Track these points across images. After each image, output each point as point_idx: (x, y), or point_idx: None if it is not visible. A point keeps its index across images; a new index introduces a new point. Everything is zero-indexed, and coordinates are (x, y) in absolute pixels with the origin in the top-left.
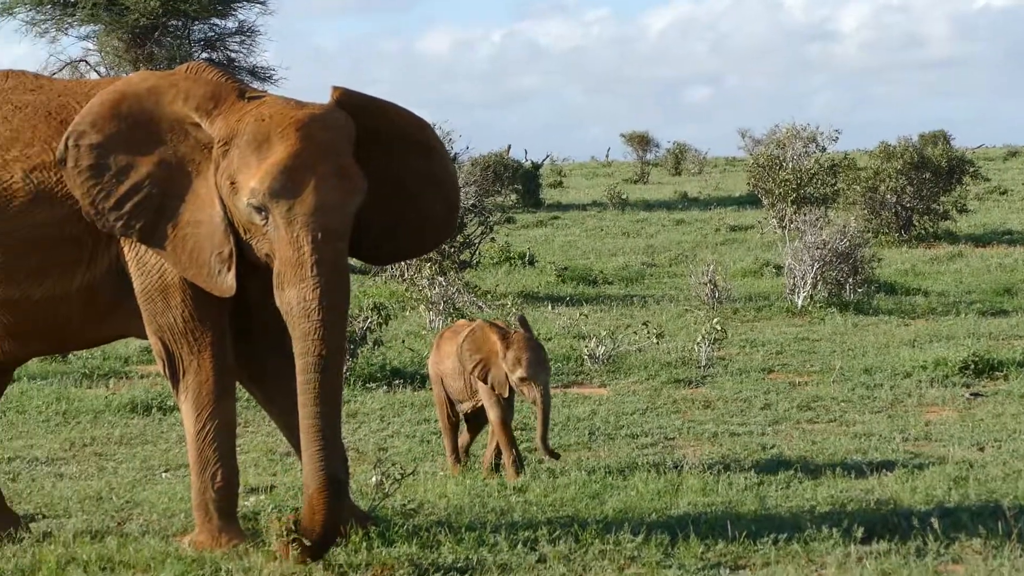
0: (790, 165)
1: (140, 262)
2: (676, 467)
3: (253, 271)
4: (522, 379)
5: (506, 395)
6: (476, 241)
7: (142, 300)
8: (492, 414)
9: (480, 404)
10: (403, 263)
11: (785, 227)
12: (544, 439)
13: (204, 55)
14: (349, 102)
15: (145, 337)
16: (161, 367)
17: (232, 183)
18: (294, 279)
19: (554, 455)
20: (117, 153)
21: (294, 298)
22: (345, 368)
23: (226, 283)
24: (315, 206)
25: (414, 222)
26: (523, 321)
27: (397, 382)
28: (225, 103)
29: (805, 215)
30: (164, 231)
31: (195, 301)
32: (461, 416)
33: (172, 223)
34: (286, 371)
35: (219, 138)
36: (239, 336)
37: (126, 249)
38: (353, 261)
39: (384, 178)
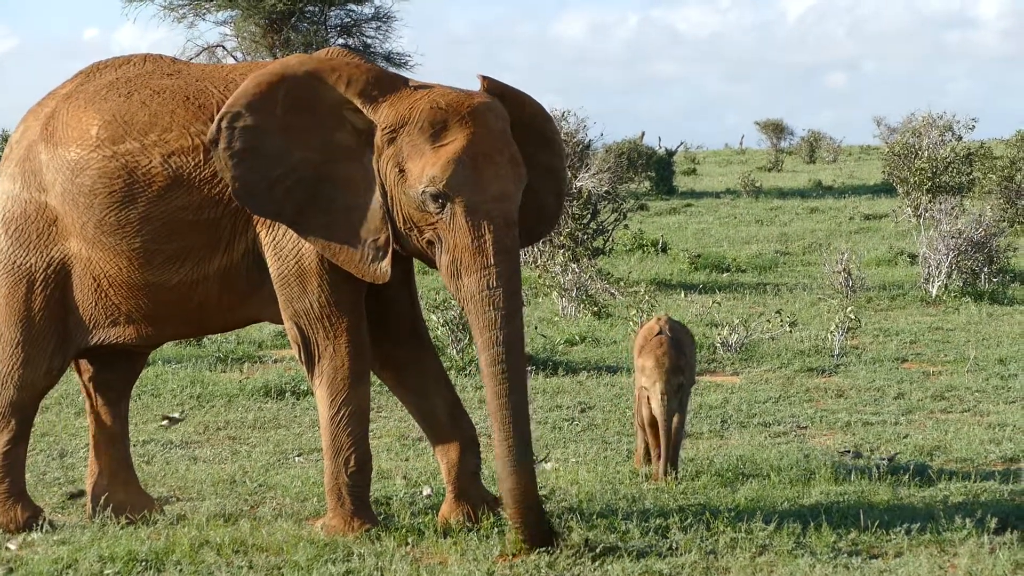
0: (926, 154)
1: (277, 247)
2: (808, 456)
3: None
4: (642, 387)
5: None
6: (609, 228)
7: (278, 285)
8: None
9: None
10: (535, 250)
11: (920, 216)
12: (664, 461)
13: (340, 41)
14: (494, 90)
15: (280, 322)
16: (296, 352)
17: (400, 170)
18: (474, 267)
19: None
20: (272, 136)
21: (475, 286)
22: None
23: (380, 270)
24: (495, 195)
25: (531, 212)
26: (668, 321)
27: (529, 368)
28: (391, 90)
29: (940, 204)
30: (315, 217)
31: (332, 287)
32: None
33: (324, 209)
34: (419, 358)
35: (385, 125)
36: (373, 322)
37: (263, 234)
38: None
39: None
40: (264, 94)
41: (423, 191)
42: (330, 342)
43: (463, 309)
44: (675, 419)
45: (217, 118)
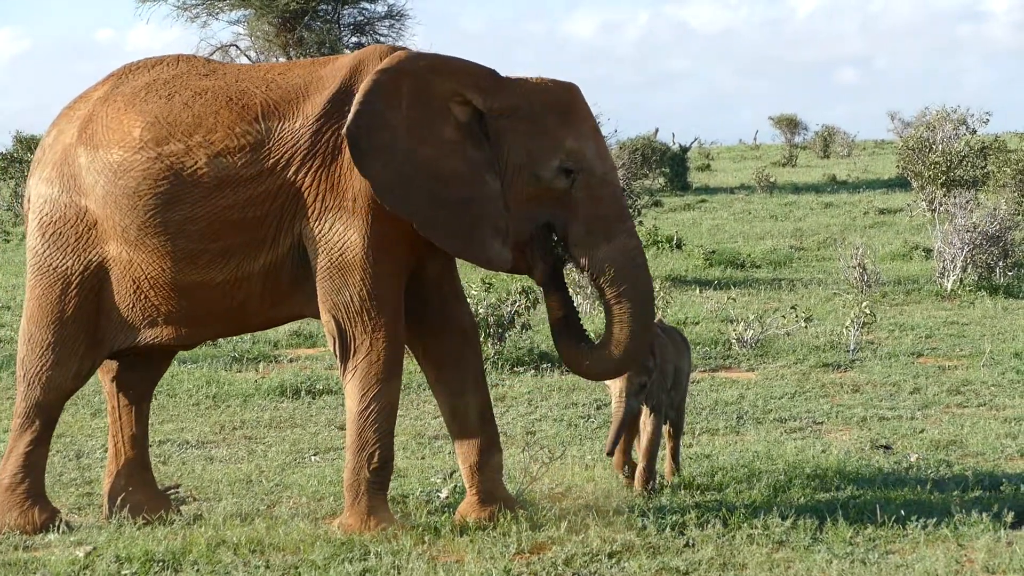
0: (940, 148)
1: (324, 239)
2: (824, 451)
3: (433, 248)
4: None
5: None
6: None
7: (320, 277)
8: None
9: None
10: None
11: (934, 210)
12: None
13: (354, 39)
14: None
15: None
16: (331, 344)
17: (526, 151)
18: (615, 233)
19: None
20: (400, 133)
21: (618, 250)
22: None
23: (502, 257)
24: (612, 165)
25: None
26: (658, 324)
27: (545, 366)
28: (492, 79)
29: (955, 198)
30: (437, 213)
31: (374, 281)
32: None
33: (442, 204)
34: (461, 354)
35: (500, 111)
36: (419, 312)
37: (310, 227)
38: None
39: None
40: (392, 90)
41: (557, 166)
42: (367, 336)
43: (594, 277)
44: (650, 422)
45: (353, 116)
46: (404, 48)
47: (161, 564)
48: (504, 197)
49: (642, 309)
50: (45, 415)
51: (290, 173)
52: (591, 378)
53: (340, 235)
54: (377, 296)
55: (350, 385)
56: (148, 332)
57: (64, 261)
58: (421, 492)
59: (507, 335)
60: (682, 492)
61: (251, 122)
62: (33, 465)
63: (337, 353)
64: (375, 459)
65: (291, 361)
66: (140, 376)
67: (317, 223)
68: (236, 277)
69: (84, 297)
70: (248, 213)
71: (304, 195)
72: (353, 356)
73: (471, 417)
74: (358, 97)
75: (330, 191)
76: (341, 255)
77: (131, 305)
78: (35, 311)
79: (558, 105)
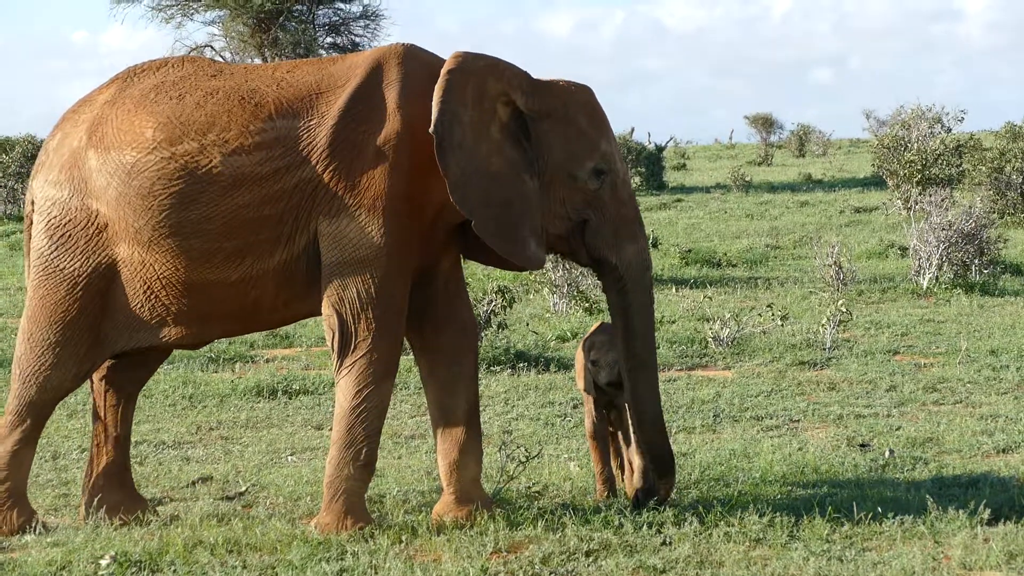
0: (915, 146)
1: (340, 235)
2: (801, 449)
3: (447, 243)
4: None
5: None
6: None
7: (330, 272)
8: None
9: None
10: None
11: (910, 208)
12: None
13: (329, 39)
14: None
15: None
16: (329, 338)
17: (566, 152)
18: (633, 235)
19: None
20: (467, 132)
21: (633, 252)
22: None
23: (539, 257)
24: (627, 168)
25: None
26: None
27: (521, 365)
28: (530, 80)
29: (930, 196)
30: (486, 211)
31: (384, 280)
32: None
33: (489, 203)
34: (457, 350)
35: (541, 113)
36: (423, 307)
37: (327, 223)
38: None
39: None
40: (462, 90)
41: (592, 167)
42: (369, 334)
43: (617, 275)
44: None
45: (436, 116)
46: (410, 44)
47: (138, 565)
48: (541, 197)
49: (652, 305)
50: (36, 415)
51: (307, 171)
52: None
53: (357, 233)
54: (384, 295)
55: (345, 381)
56: (156, 333)
57: (72, 264)
58: (398, 492)
59: (484, 334)
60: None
61: (265, 120)
62: (18, 465)
63: (335, 348)
64: (361, 456)
65: (267, 361)
66: (129, 376)
67: (335, 220)
68: (251, 276)
69: (90, 299)
70: (264, 211)
71: (321, 193)
72: (352, 352)
73: (458, 415)
74: (436, 96)
75: (349, 189)
76: (355, 252)
77: (140, 306)
78: (37, 311)
79: (587, 107)
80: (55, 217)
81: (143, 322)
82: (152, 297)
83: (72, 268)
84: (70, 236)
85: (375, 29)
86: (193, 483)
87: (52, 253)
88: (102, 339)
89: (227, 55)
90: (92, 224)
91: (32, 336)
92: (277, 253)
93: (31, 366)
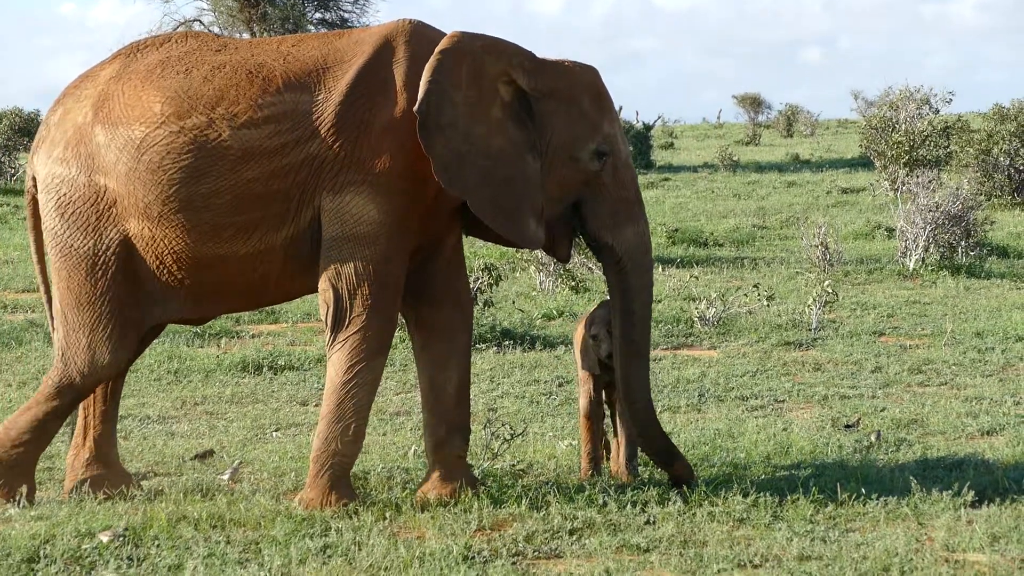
0: (903, 127)
1: (342, 210)
2: (785, 429)
3: (451, 221)
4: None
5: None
6: None
7: (330, 246)
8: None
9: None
10: None
11: (897, 190)
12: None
13: (317, 15)
14: None
15: None
16: (323, 312)
17: (568, 131)
18: (633, 216)
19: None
20: (460, 111)
21: (633, 234)
22: None
23: (538, 236)
24: (629, 150)
25: None
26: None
27: (507, 343)
28: (536, 61)
29: (917, 177)
30: (484, 191)
31: (383, 257)
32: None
33: (489, 182)
34: (452, 327)
35: (541, 92)
36: (421, 282)
37: (330, 198)
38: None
39: None
40: (454, 70)
41: (594, 149)
42: (364, 310)
43: (617, 257)
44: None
45: (424, 94)
46: (418, 21)
47: (122, 539)
48: (542, 177)
49: (651, 287)
50: (74, 395)
51: (314, 146)
52: None
53: (359, 208)
54: (381, 273)
55: (337, 355)
56: (169, 308)
57: (86, 241)
58: (382, 469)
59: None
60: (643, 469)
61: (274, 94)
62: (40, 435)
63: (328, 322)
64: (350, 432)
65: (253, 337)
66: None
67: (338, 196)
68: (259, 250)
69: (111, 276)
70: (272, 185)
71: (327, 168)
72: (346, 328)
73: (448, 391)
74: (425, 76)
75: (354, 165)
76: (356, 227)
77: (154, 281)
78: (64, 293)
79: (591, 88)
80: (64, 195)
81: (157, 297)
82: (165, 272)
83: (86, 246)
84: (80, 213)
85: (364, 5)
86: (194, 458)
87: (65, 232)
88: (133, 314)
89: (216, 30)
90: (102, 200)
91: (67, 319)
92: (284, 228)
93: (72, 349)
